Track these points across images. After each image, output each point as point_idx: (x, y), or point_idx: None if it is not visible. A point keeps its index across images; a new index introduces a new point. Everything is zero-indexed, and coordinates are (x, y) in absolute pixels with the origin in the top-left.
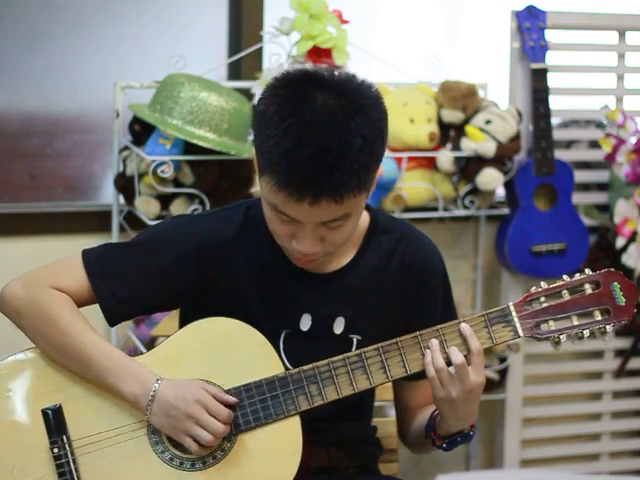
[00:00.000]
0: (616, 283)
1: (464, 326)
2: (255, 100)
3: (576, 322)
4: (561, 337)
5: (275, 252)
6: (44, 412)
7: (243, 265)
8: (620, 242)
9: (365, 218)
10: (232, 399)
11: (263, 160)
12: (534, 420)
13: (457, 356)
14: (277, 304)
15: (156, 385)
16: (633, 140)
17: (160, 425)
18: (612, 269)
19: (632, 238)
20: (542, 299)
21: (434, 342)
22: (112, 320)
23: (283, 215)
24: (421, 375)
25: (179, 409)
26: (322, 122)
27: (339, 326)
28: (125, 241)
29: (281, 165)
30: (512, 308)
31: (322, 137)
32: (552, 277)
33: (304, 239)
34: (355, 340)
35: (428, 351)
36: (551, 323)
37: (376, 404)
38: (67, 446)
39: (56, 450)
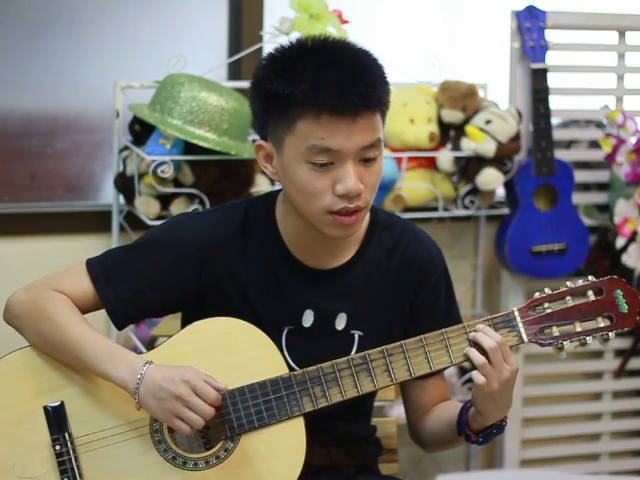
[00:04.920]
0: (619, 290)
1: (481, 326)
2: None
3: (579, 329)
4: (564, 343)
5: (277, 248)
6: (46, 409)
7: (245, 262)
8: (620, 242)
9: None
10: (221, 385)
11: (289, 104)
12: (534, 420)
13: (489, 341)
14: (279, 301)
15: (144, 368)
16: (633, 140)
17: (149, 408)
18: (615, 276)
19: (632, 238)
20: (546, 304)
21: (478, 332)
22: (119, 323)
23: (323, 155)
24: (428, 374)
25: (166, 390)
26: (335, 52)
27: (341, 322)
28: (127, 244)
29: (314, 89)
30: (516, 313)
31: (341, 59)
32: (552, 277)
33: (347, 175)
34: (357, 336)
35: (469, 349)
36: (555, 329)
37: (376, 404)
38: (69, 443)
39: (58, 447)
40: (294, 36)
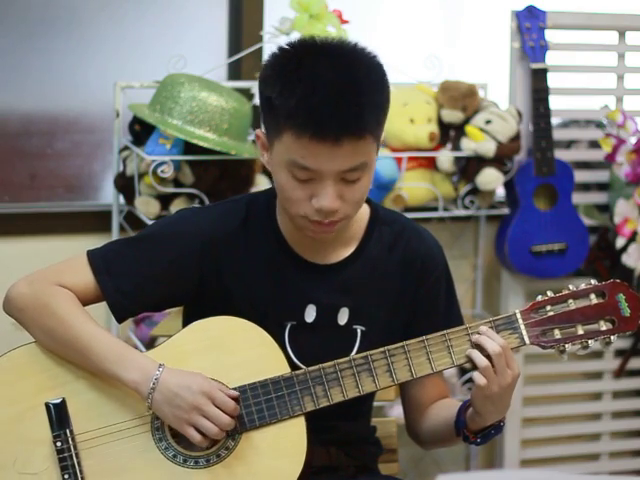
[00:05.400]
0: (621, 294)
1: (484, 328)
2: (256, 99)
3: (581, 332)
4: (566, 346)
5: (279, 244)
6: (47, 405)
7: (247, 258)
8: (620, 242)
9: (365, 210)
10: (235, 393)
11: (278, 115)
12: (534, 420)
13: (493, 346)
14: (282, 296)
15: (158, 372)
16: (633, 140)
17: (162, 413)
18: (618, 280)
19: (632, 238)
20: (548, 307)
21: (482, 335)
22: (119, 316)
23: (303, 171)
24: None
25: (184, 399)
26: (333, 66)
27: (343, 317)
28: (129, 237)
29: (299, 109)
30: (519, 315)
31: (336, 78)
32: (552, 277)
33: (325, 194)
34: (359, 331)
35: (472, 350)
36: (556, 332)
37: (376, 404)
38: (70, 440)
39: (59, 444)
40: (300, 35)
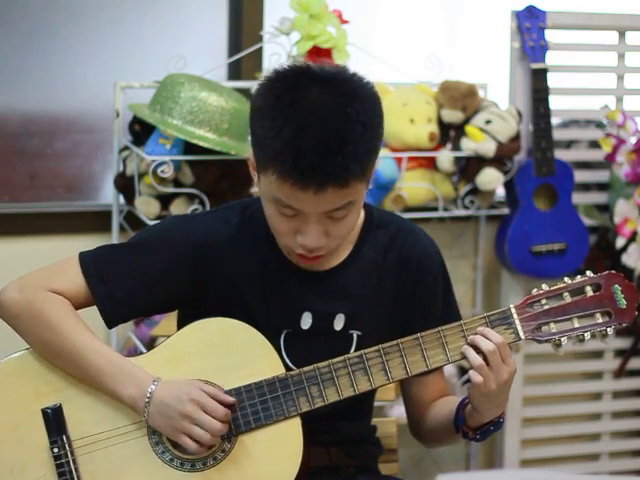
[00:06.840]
0: (617, 285)
1: (480, 328)
2: None
3: (577, 324)
4: (562, 339)
5: (273, 251)
6: (44, 412)
7: (240, 265)
8: (620, 242)
9: (360, 214)
10: (230, 399)
11: (264, 154)
12: (534, 420)
13: (487, 344)
14: (276, 303)
15: (152, 387)
16: (633, 140)
17: (158, 426)
18: (613, 271)
19: (632, 238)
20: (543, 301)
21: (477, 335)
22: (110, 322)
23: (287, 209)
24: (427, 371)
25: (174, 409)
26: (321, 110)
27: (339, 323)
28: (122, 242)
29: (284, 154)
30: (513, 310)
31: (323, 124)
32: (552, 277)
33: (309, 233)
34: (355, 336)
35: (466, 348)
36: (552, 325)
37: (376, 404)
38: (67, 446)
39: (56, 450)
40: (294, 63)
